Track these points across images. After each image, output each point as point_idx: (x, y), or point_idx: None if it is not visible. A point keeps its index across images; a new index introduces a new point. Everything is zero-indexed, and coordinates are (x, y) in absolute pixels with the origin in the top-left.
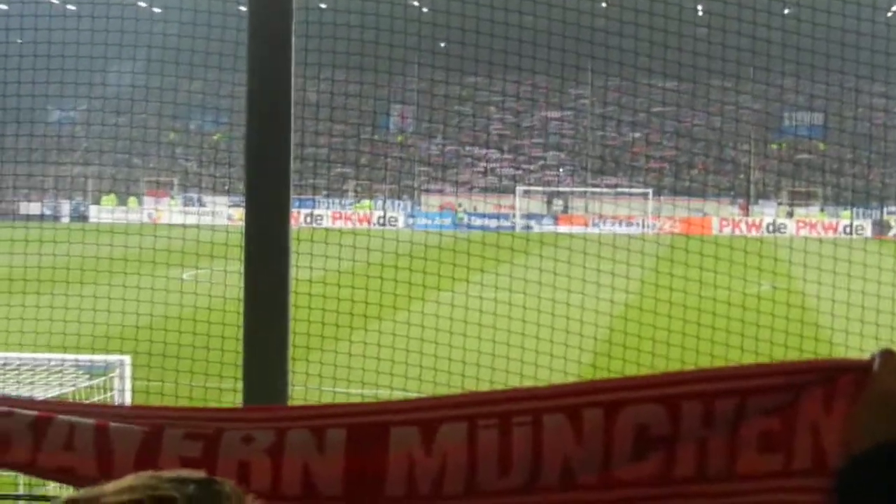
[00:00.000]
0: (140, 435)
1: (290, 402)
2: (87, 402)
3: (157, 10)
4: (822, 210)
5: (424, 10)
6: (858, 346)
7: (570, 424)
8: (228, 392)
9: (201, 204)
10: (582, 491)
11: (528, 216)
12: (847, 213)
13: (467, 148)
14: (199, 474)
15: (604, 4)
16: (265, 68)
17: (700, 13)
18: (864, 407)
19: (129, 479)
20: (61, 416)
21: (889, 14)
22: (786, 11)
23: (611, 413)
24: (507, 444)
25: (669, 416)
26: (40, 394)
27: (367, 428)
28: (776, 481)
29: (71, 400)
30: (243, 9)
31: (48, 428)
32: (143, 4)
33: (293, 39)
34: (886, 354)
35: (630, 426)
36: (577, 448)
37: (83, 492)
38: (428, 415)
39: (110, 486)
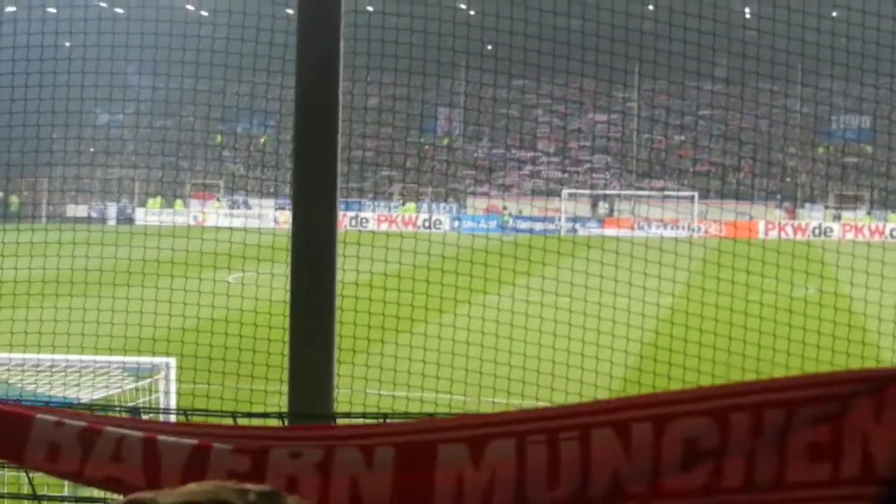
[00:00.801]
0: (188, 448)
1: (336, 404)
2: (131, 405)
3: (204, 13)
4: (868, 214)
5: (471, 13)
6: None
7: (619, 439)
8: (274, 394)
9: (247, 206)
10: (630, 501)
11: (574, 219)
12: (894, 216)
13: (513, 151)
14: (263, 486)
15: (651, 7)
16: (314, 71)
17: (748, 16)
18: None
19: (191, 486)
20: (110, 428)
21: None
22: (834, 14)
23: (659, 427)
24: (556, 459)
25: (718, 429)
26: (86, 396)
27: (415, 446)
28: (825, 490)
29: (117, 402)
30: (290, 11)
31: (97, 439)
32: (190, 8)
33: (342, 43)
34: None
35: (678, 440)
36: (626, 462)
37: (144, 494)
38: (475, 432)
39: (172, 490)
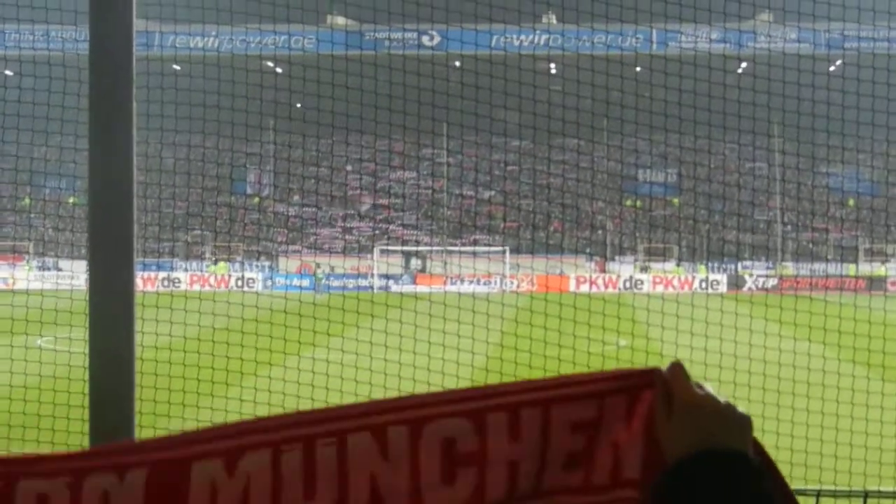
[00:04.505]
0: None
1: None
2: None
3: (9, 73)
4: (678, 265)
5: (279, 70)
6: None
7: (376, 443)
8: None
9: (58, 269)
10: None
11: (387, 276)
12: (703, 268)
13: (324, 209)
14: None
15: (457, 63)
16: (106, 131)
17: (553, 71)
18: (668, 420)
19: None
20: None
21: (739, 71)
22: (637, 69)
23: (416, 430)
24: (311, 466)
25: (476, 429)
26: None
27: (168, 465)
28: (576, 497)
29: None
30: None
31: None
32: None
33: (133, 104)
34: (676, 367)
35: (436, 441)
36: (384, 466)
37: None
38: (229, 444)
39: None
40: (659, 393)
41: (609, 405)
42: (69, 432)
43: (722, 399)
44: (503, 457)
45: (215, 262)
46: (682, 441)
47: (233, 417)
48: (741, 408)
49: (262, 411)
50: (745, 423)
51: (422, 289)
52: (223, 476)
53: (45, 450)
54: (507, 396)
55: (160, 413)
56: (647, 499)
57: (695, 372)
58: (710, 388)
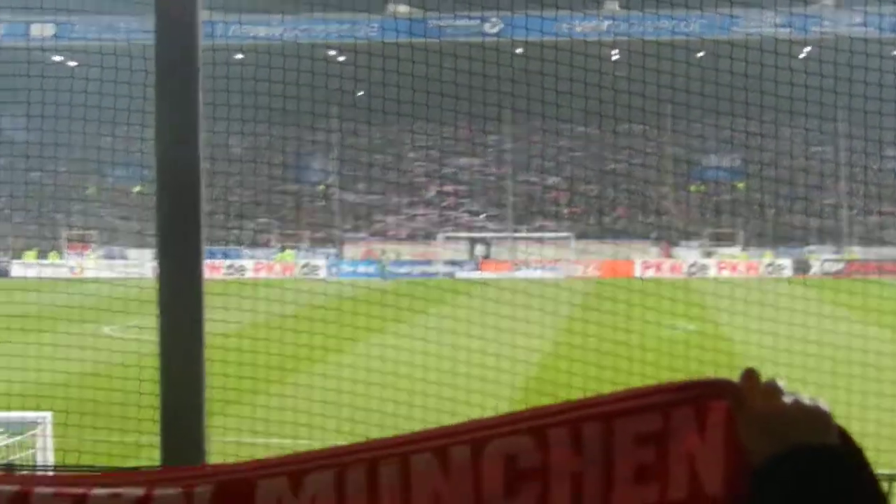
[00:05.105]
0: (9, 495)
1: (209, 456)
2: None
3: (72, 63)
4: (743, 250)
5: (340, 59)
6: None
7: (437, 462)
8: (147, 447)
9: (123, 257)
10: None
11: (452, 262)
12: (769, 253)
13: (388, 196)
14: None
15: (519, 50)
16: (173, 121)
17: (614, 58)
18: (748, 428)
19: None
20: None
21: (802, 55)
22: (700, 54)
23: (477, 448)
24: (375, 485)
25: (537, 446)
26: None
27: (234, 484)
28: None
29: None
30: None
31: None
32: (58, 59)
33: (200, 94)
34: (750, 375)
35: (498, 458)
36: (446, 484)
37: None
38: (296, 467)
39: None
40: (734, 403)
41: (675, 417)
42: (140, 419)
43: (790, 399)
44: (566, 469)
45: (282, 250)
46: (766, 446)
47: (302, 403)
48: (814, 395)
49: (332, 397)
50: (825, 416)
51: (487, 275)
52: (289, 496)
53: (114, 437)
54: (567, 413)
55: (231, 400)
56: None
57: (765, 356)
58: (783, 384)
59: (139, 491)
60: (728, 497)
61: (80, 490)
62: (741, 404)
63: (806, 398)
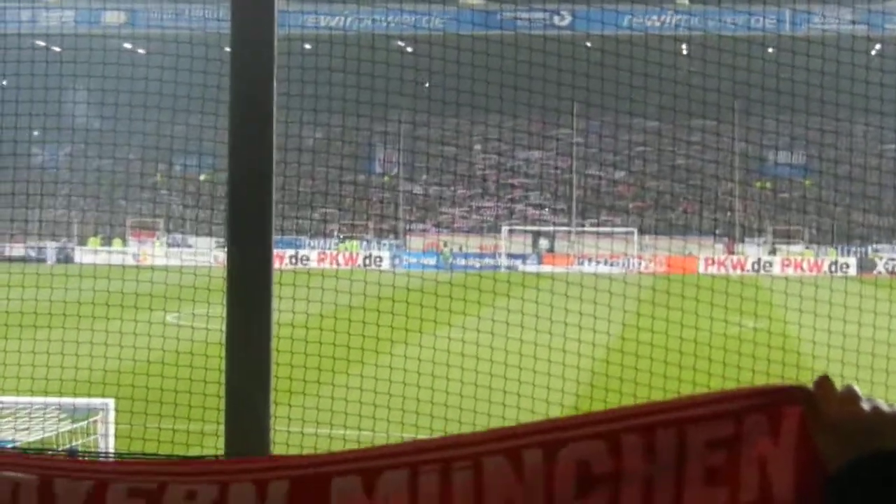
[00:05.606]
0: (85, 491)
1: (273, 446)
2: (68, 448)
3: (141, 51)
4: (807, 248)
5: (409, 49)
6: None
7: (510, 465)
8: (210, 436)
9: (186, 245)
10: None
11: (513, 256)
12: (833, 251)
13: (452, 188)
14: None
15: (588, 44)
16: (248, 110)
17: (684, 52)
18: (823, 435)
19: None
20: (6, 473)
21: (873, 52)
22: (770, 50)
23: (550, 452)
24: (448, 488)
25: (610, 451)
26: (22, 438)
27: (309, 479)
28: None
29: (54, 444)
30: (229, 50)
31: None
32: (128, 46)
33: (275, 83)
34: (823, 382)
35: (570, 464)
36: (519, 488)
37: None
38: (369, 464)
39: None
40: (808, 409)
41: (748, 423)
42: (205, 408)
43: (868, 405)
44: (638, 475)
45: (344, 240)
46: (844, 452)
47: (367, 395)
48: (886, 398)
49: (397, 389)
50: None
51: (549, 268)
52: (362, 496)
53: (179, 425)
54: (640, 418)
55: (296, 391)
56: None
57: (832, 356)
58: (858, 389)
59: (214, 492)
60: (798, 502)
61: (154, 486)
62: (816, 410)
63: (884, 404)
